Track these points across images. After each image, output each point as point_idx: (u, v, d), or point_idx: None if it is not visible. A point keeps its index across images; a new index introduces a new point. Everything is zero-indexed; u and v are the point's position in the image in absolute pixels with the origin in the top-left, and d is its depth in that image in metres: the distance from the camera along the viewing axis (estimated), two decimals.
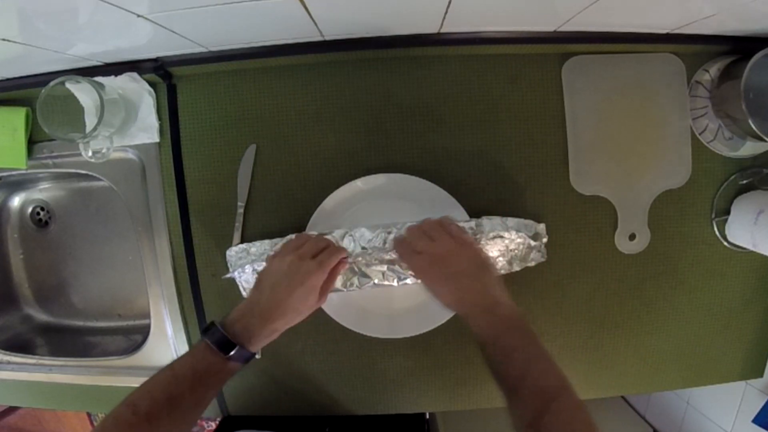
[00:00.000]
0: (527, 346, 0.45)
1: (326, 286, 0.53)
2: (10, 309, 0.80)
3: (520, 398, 0.42)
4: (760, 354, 0.70)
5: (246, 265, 0.59)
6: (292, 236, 0.60)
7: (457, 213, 0.61)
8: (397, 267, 0.59)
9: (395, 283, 0.60)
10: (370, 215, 0.62)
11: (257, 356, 0.67)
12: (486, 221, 0.59)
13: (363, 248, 0.59)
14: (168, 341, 0.68)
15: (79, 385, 0.71)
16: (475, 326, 0.48)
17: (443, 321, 0.63)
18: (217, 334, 0.47)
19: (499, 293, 0.49)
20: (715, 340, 0.69)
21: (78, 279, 0.81)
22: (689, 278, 0.67)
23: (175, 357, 0.67)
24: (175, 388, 0.45)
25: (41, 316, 0.82)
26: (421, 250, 0.51)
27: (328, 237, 0.59)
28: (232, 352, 0.47)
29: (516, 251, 0.59)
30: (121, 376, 0.69)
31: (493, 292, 0.49)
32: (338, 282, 0.59)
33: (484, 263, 0.52)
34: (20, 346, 0.74)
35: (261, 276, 0.53)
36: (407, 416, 0.76)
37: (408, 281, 0.59)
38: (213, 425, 1.67)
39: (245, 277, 0.60)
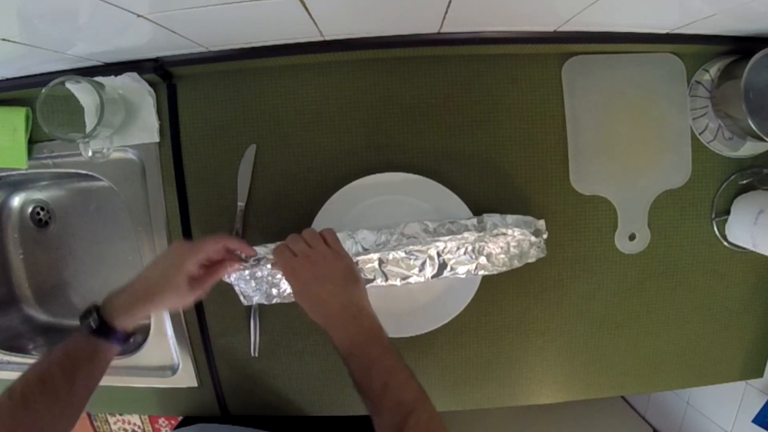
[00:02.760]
0: (386, 358, 0.46)
1: (204, 279, 0.53)
2: (10, 309, 0.80)
3: (381, 411, 0.44)
4: (760, 354, 0.70)
5: (248, 275, 0.59)
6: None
7: (461, 211, 0.61)
8: (390, 268, 0.59)
9: (398, 283, 0.60)
10: (373, 215, 0.62)
11: (254, 354, 0.67)
12: (487, 218, 0.59)
13: (365, 249, 0.59)
14: (168, 341, 0.68)
15: None
16: (336, 337, 0.49)
17: (446, 321, 0.63)
18: (94, 319, 0.49)
19: (365, 305, 0.50)
20: (715, 340, 0.69)
21: (78, 279, 0.81)
22: (689, 278, 0.67)
23: (175, 357, 0.68)
24: (46, 370, 0.46)
25: (41, 316, 0.82)
26: (297, 252, 0.52)
27: None
28: (109, 336, 0.48)
29: (517, 247, 0.60)
30: (121, 376, 0.69)
31: (359, 303, 0.50)
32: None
33: (353, 275, 0.52)
34: (20, 346, 0.74)
35: (145, 266, 0.54)
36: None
37: (411, 280, 0.60)
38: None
39: (246, 286, 0.60)
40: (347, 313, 0.49)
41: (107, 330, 0.49)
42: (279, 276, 0.59)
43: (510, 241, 0.59)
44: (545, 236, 0.61)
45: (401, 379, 0.45)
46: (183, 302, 0.52)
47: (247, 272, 0.59)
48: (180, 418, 0.74)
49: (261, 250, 0.60)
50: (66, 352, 0.48)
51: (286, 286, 0.60)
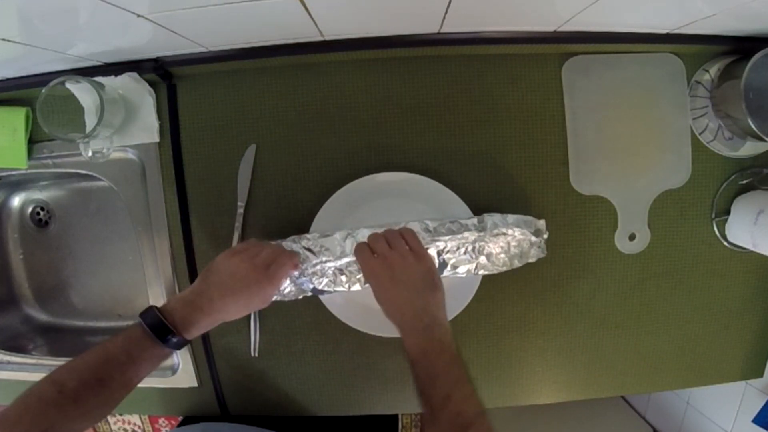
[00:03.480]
0: (453, 370, 0.46)
1: (271, 294, 0.55)
2: (10, 309, 0.80)
3: (439, 420, 0.43)
4: (760, 354, 0.70)
5: None
6: (292, 239, 0.60)
7: (461, 211, 0.61)
8: None
9: None
10: (374, 215, 0.62)
11: (254, 354, 0.67)
12: (488, 218, 0.59)
13: None
14: None
15: None
16: (407, 341, 0.49)
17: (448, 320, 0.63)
18: (156, 321, 0.48)
19: (439, 315, 0.50)
20: (715, 340, 0.69)
21: (78, 279, 0.81)
22: (689, 278, 0.67)
23: (175, 357, 0.68)
24: (105, 370, 0.45)
25: (41, 316, 0.82)
26: (378, 253, 0.52)
27: (330, 239, 0.59)
28: (168, 340, 0.48)
29: (517, 247, 0.60)
30: None
31: (433, 312, 0.50)
32: (341, 280, 0.59)
33: (433, 282, 0.52)
34: (20, 346, 0.74)
35: (210, 270, 0.53)
36: (378, 417, 0.77)
37: None
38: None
39: None
40: (420, 322, 0.49)
41: (179, 342, 0.48)
42: None
43: (510, 241, 0.59)
44: (546, 236, 0.61)
45: (464, 393, 0.45)
46: None
47: None
48: (180, 418, 0.74)
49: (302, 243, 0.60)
50: (128, 354, 0.46)
51: (285, 284, 0.59)
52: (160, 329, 0.47)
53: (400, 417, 0.89)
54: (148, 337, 0.47)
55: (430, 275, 0.52)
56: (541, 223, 0.61)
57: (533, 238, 0.60)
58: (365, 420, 0.74)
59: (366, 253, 0.53)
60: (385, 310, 0.52)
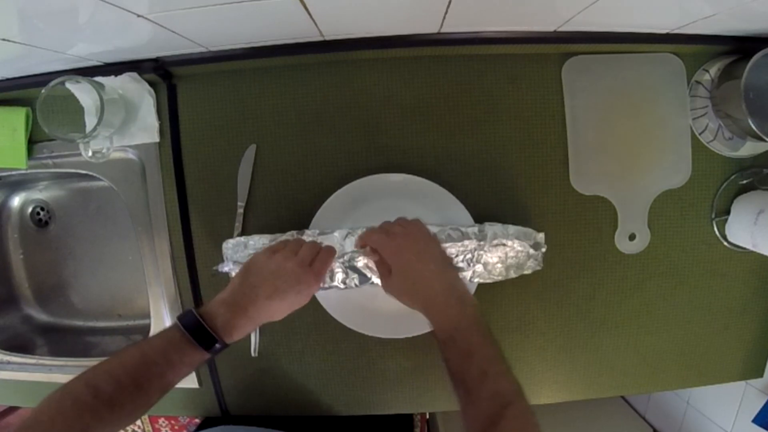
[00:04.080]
0: (487, 346, 0.45)
1: (316, 290, 0.53)
2: (10, 309, 0.80)
3: (476, 400, 0.42)
4: (760, 354, 0.70)
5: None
6: (290, 234, 0.60)
7: (461, 215, 0.61)
8: None
9: None
10: (372, 216, 0.62)
11: (254, 354, 0.67)
12: (488, 227, 0.59)
13: (364, 249, 0.59)
14: None
15: None
16: (437, 319, 0.47)
17: None
18: (196, 324, 0.46)
19: (466, 291, 0.49)
20: (715, 340, 0.69)
21: (78, 279, 0.81)
22: (689, 278, 0.67)
23: None
24: (143, 374, 0.43)
25: (41, 316, 0.82)
26: (395, 232, 0.51)
27: (329, 236, 0.59)
28: (209, 345, 0.46)
29: (515, 258, 0.59)
30: None
31: (461, 287, 0.49)
32: (337, 279, 0.59)
33: (449, 259, 0.52)
34: (20, 346, 0.74)
35: (250, 270, 0.51)
36: (392, 417, 0.76)
37: None
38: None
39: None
40: (451, 295, 0.47)
41: (220, 347, 0.47)
42: None
43: (508, 252, 0.59)
44: (544, 250, 0.61)
45: (500, 370, 0.43)
46: None
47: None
48: (198, 420, 0.73)
49: (264, 239, 0.60)
50: (166, 358, 0.45)
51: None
52: (201, 334, 0.45)
53: (414, 417, 0.88)
54: (188, 341, 0.45)
55: (445, 255, 0.52)
56: (540, 237, 0.61)
57: (531, 251, 0.60)
58: (380, 419, 0.73)
59: (383, 233, 0.52)
60: (409, 288, 0.50)
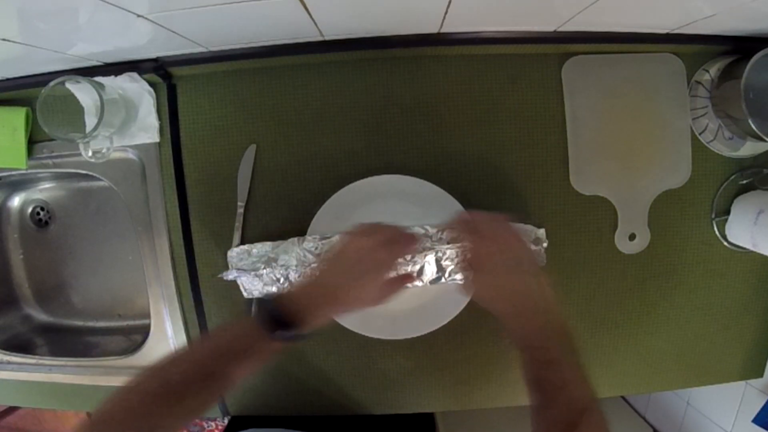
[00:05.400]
0: (568, 355, 0.45)
1: (394, 287, 0.51)
2: (10, 309, 0.80)
3: (554, 406, 0.42)
4: (760, 354, 0.70)
5: (251, 271, 0.59)
6: (292, 240, 0.60)
7: None
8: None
9: None
10: (372, 218, 0.61)
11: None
12: None
13: None
14: (168, 341, 0.68)
15: (79, 385, 0.71)
16: (518, 327, 0.47)
17: (445, 322, 0.63)
18: (274, 313, 0.44)
19: (551, 299, 0.48)
20: (715, 340, 0.69)
21: (78, 279, 0.81)
22: (689, 278, 0.67)
23: None
24: (215, 365, 0.41)
25: (41, 316, 0.82)
26: (486, 234, 0.49)
27: (329, 241, 0.59)
28: (286, 334, 0.43)
29: None
30: (121, 376, 0.69)
31: (547, 295, 0.48)
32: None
33: (536, 264, 0.50)
34: (20, 346, 0.74)
35: (335, 258, 0.49)
36: (414, 416, 0.75)
37: (408, 285, 0.59)
38: (213, 425, 1.67)
39: (248, 280, 0.60)
40: (537, 305, 0.47)
41: (297, 337, 0.45)
42: (280, 275, 0.59)
43: None
44: (545, 245, 0.61)
45: (579, 377, 0.43)
46: None
47: (253, 273, 0.60)
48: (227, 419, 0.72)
49: (266, 247, 0.60)
50: (238, 348, 0.43)
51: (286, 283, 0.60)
52: (277, 322, 0.43)
53: (435, 417, 0.87)
54: (265, 330, 0.43)
55: (534, 260, 0.50)
56: (541, 232, 0.61)
57: (533, 247, 0.60)
58: (401, 419, 0.72)
59: (472, 234, 0.49)
60: (494, 296, 0.49)
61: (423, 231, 0.59)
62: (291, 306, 0.45)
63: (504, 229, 0.50)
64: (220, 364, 0.42)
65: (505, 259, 0.48)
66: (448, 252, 0.59)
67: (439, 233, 0.58)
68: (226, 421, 0.73)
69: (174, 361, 0.42)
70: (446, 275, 0.60)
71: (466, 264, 0.52)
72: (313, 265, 0.54)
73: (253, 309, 0.65)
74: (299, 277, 0.59)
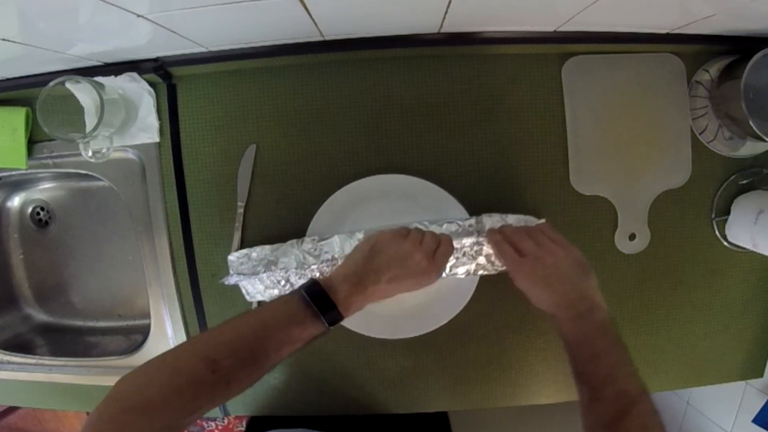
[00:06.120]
0: (615, 350, 0.46)
1: (433, 281, 0.52)
2: (10, 309, 0.80)
3: (602, 398, 0.43)
4: (760, 354, 0.70)
5: (252, 275, 0.59)
6: (290, 243, 0.60)
7: (457, 213, 0.61)
8: None
9: None
10: (371, 218, 0.62)
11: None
12: (486, 218, 0.59)
13: None
14: (168, 341, 0.68)
15: (79, 385, 0.71)
16: (565, 327, 0.49)
17: (446, 321, 0.63)
18: (320, 294, 0.45)
19: (595, 298, 0.49)
20: (715, 340, 0.69)
21: (78, 279, 0.81)
22: (689, 278, 0.67)
23: None
24: (261, 346, 0.41)
25: (41, 316, 0.82)
26: (527, 253, 0.52)
27: (329, 241, 0.59)
28: (330, 317, 0.44)
29: None
30: (121, 376, 0.69)
31: (590, 297, 0.49)
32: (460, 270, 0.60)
33: (584, 268, 0.52)
34: (20, 346, 0.74)
35: (376, 251, 0.50)
36: (428, 416, 0.76)
37: None
38: (213, 425, 1.66)
39: (250, 283, 0.60)
40: (575, 311, 0.48)
41: (339, 319, 0.46)
42: (281, 277, 0.59)
43: None
44: None
45: (627, 372, 0.45)
46: None
47: (255, 278, 0.60)
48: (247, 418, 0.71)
49: (265, 250, 0.60)
50: (287, 328, 0.43)
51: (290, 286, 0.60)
52: (323, 304, 0.44)
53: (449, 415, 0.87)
54: (310, 311, 0.44)
55: (580, 263, 0.52)
56: (543, 222, 0.61)
57: None
58: (415, 418, 0.73)
59: (511, 254, 0.53)
60: (538, 304, 0.52)
61: (423, 227, 0.59)
62: (335, 292, 0.46)
63: (542, 243, 0.53)
64: (267, 346, 0.42)
65: (543, 276, 0.50)
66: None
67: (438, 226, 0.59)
68: (226, 421, 0.73)
69: (222, 340, 0.41)
70: (447, 271, 0.60)
71: (505, 255, 0.54)
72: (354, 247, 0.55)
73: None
74: (321, 273, 0.59)
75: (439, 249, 0.52)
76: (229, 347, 0.40)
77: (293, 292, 0.46)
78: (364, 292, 0.47)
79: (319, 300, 0.45)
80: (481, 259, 0.59)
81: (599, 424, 0.42)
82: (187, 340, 0.41)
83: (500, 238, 0.55)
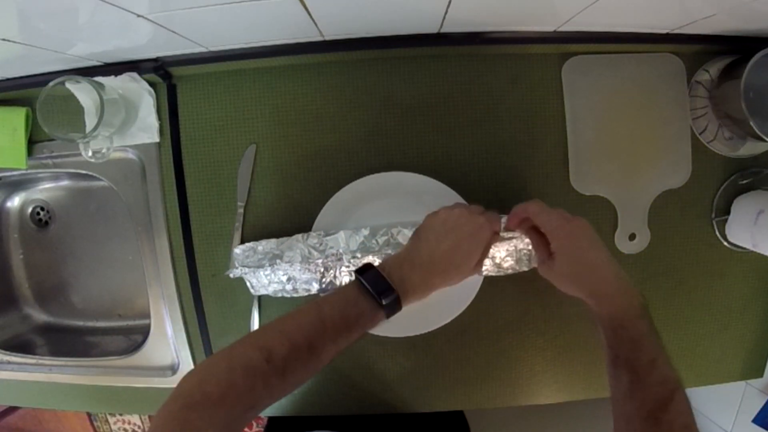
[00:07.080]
0: (653, 335, 0.45)
1: (483, 256, 0.50)
2: (10, 309, 0.80)
3: (645, 385, 0.42)
4: (760, 354, 0.70)
5: (257, 268, 0.59)
6: (296, 237, 0.60)
7: None
8: None
9: None
10: (375, 215, 0.61)
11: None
12: None
13: (367, 249, 0.59)
14: (168, 341, 0.68)
15: (79, 385, 0.71)
16: (606, 307, 0.46)
17: (447, 321, 0.63)
18: (378, 279, 0.43)
19: (629, 280, 0.48)
20: (715, 340, 0.69)
21: (78, 279, 0.81)
22: (689, 278, 0.67)
23: (175, 357, 0.68)
24: (319, 336, 0.40)
25: (41, 316, 0.82)
26: (559, 216, 0.49)
27: (334, 237, 0.59)
28: (388, 302, 0.42)
29: (524, 251, 0.59)
30: (121, 376, 0.69)
31: (625, 277, 0.47)
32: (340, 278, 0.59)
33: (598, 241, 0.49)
34: (20, 346, 0.74)
35: (425, 228, 0.49)
36: (444, 414, 0.75)
37: None
38: None
39: (254, 276, 0.60)
40: (622, 283, 0.46)
41: (397, 305, 0.44)
42: (282, 273, 0.59)
43: (517, 245, 0.58)
44: None
45: (666, 358, 0.43)
46: None
47: (261, 271, 0.59)
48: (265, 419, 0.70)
49: (271, 244, 0.60)
50: (345, 317, 0.41)
51: (295, 284, 0.59)
52: (382, 290, 0.42)
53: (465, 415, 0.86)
54: (367, 298, 0.43)
55: (607, 248, 0.50)
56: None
57: None
58: (432, 417, 0.72)
59: (553, 213, 0.49)
60: (578, 274, 0.48)
61: None
62: (393, 277, 0.44)
63: (563, 214, 0.50)
64: (325, 335, 0.40)
65: (585, 242, 0.48)
66: None
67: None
68: None
69: (278, 329, 0.40)
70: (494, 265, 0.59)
71: (537, 246, 0.52)
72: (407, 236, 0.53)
73: (252, 309, 0.65)
74: (325, 268, 0.58)
75: (490, 220, 0.50)
76: (284, 335, 0.39)
77: (355, 280, 0.44)
78: (420, 268, 0.46)
79: (374, 282, 0.43)
80: (487, 262, 0.58)
81: (643, 411, 0.41)
82: (249, 333, 0.40)
83: (538, 207, 0.51)
